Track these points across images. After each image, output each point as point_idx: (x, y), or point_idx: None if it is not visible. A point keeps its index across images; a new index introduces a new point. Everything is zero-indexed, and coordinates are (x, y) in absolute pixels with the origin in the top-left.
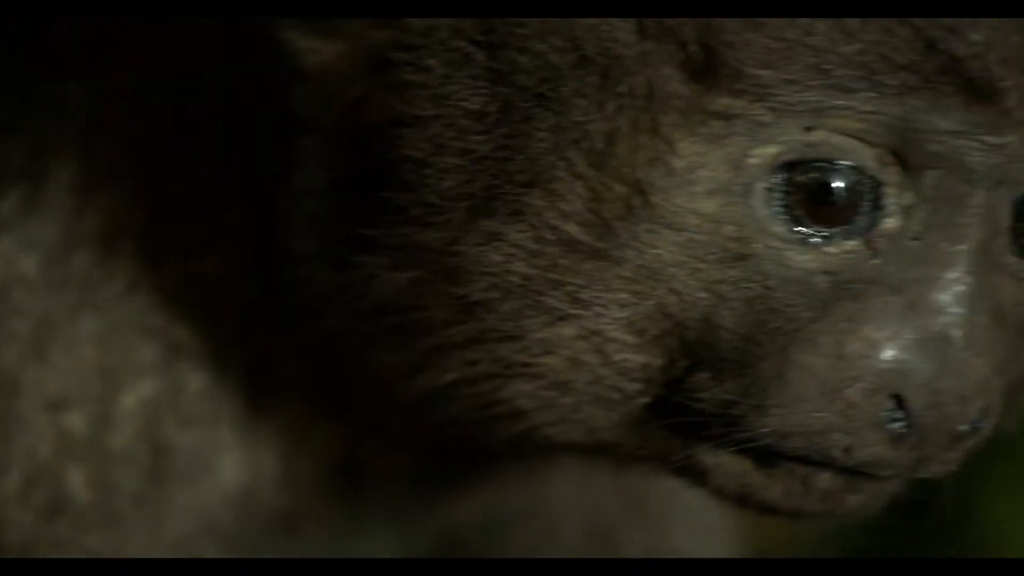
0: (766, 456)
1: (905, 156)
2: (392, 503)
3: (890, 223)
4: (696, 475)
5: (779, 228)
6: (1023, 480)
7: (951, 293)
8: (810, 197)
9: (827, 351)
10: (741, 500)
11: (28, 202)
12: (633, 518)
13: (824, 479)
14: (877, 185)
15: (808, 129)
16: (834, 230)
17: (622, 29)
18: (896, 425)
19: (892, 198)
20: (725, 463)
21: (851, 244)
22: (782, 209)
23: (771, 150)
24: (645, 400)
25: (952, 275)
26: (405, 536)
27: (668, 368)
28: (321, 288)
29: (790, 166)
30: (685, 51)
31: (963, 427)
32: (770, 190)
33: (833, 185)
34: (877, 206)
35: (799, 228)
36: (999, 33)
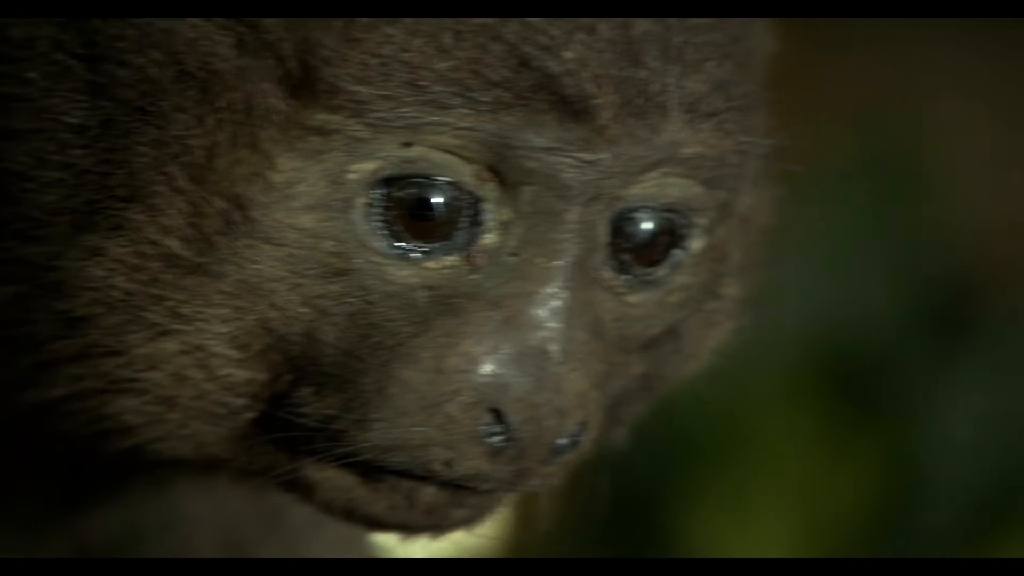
0: (370, 471)
1: (502, 172)
2: (19, 518)
3: (489, 239)
4: (303, 489)
5: (379, 243)
6: (723, 487)
7: (548, 308)
8: (409, 212)
9: (427, 366)
10: (348, 514)
11: None
12: (270, 531)
13: (428, 493)
14: (476, 201)
15: (406, 145)
16: (434, 245)
17: (221, 43)
18: (495, 439)
19: (490, 214)
20: (331, 478)
21: (451, 259)
22: (382, 224)
23: (369, 166)
24: (251, 415)
25: (549, 290)
26: (36, 551)
27: (272, 383)
28: None
29: (389, 181)
30: (283, 66)
31: (561, 441)
32: (370, 205)
33: (432, 201)
34: (476, 222)
35: (399, 243)
36: (592, 51)
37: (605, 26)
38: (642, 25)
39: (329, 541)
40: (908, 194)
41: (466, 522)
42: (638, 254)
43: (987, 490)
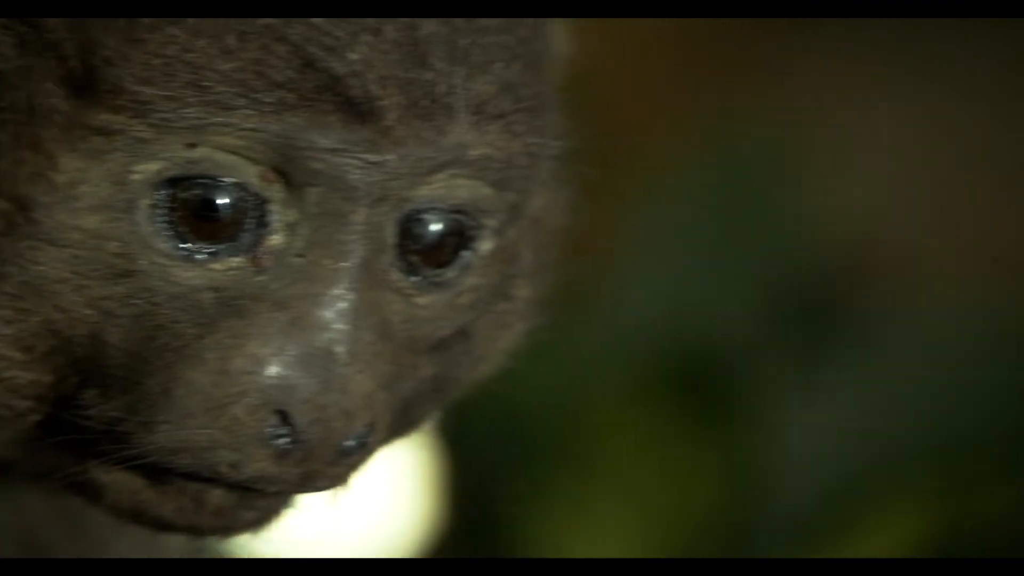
0: (157, 473)
1: (288, 173)
2: None
3: (275, 240)
4: (91, 492)
5: (164, 245)
6: (567, 488)
7: (334, 309)
8: (194, 214)
9: (212, 367)
10: (136, 517)
11: None
12: (70, 532)
13: (216, 496)
14: (262, 202)
15: (190, 146)
16: (219, 247)
17: (2, 43)
18: (281, 441)
19: (277, 215)
20: (118, 480)
21: (236, 261)
22: (167, 225)
23: (153, 166)
24: (37, 417)
25: (335, 291)
26: None
27: (58, 385)
28: None
29: (173, 182)
30: (66, 66)
31: (348, 442)
32: (154, 206)
33: (216, 202)
34: (262, 223)
35: (184, 245)
36: (378, 52)
37: (391, 27)
38: (428, 27)
39: (131, 541)
40: (771, 194)
41: (255, 524)
42: (426, 256)
43: (834, 493)
